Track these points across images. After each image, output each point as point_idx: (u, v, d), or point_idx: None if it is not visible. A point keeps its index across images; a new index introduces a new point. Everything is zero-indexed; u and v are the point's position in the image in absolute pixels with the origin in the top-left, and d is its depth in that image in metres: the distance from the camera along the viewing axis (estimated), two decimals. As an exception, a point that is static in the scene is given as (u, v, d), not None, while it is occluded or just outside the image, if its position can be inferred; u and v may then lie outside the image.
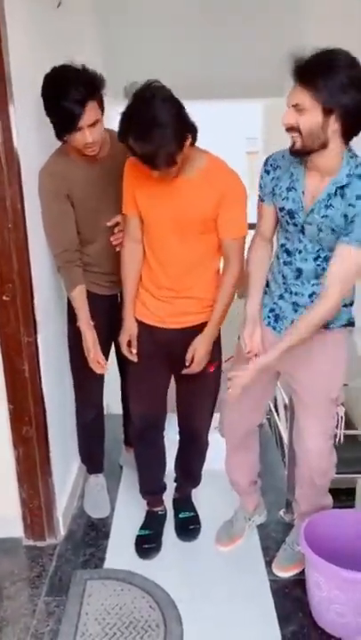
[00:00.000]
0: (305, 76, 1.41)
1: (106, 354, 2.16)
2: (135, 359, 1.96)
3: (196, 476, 2.27)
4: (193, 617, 1.82)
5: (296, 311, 1.70)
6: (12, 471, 2.08)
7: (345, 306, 1.69)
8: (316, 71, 1.40)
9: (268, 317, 1.77)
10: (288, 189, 1.62)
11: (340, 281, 1.54)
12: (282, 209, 1.65)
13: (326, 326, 1.66)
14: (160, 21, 3.50)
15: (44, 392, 2.02)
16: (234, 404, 1.82)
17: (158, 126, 1.51)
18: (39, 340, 1.96)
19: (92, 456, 2.42)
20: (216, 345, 1.95)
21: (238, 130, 8.44)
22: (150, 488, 2.21)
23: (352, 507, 2.16)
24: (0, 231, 1.82)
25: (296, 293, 1.68)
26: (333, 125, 1.43)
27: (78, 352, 2.06)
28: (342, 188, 1.51)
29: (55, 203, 1.93)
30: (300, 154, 1.52)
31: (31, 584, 1.98)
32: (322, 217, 1.55)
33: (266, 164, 1.70)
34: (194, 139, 1.66)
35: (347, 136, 1.48)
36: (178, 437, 2.21)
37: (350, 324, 1.74)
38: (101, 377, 2.21)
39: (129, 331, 1.94)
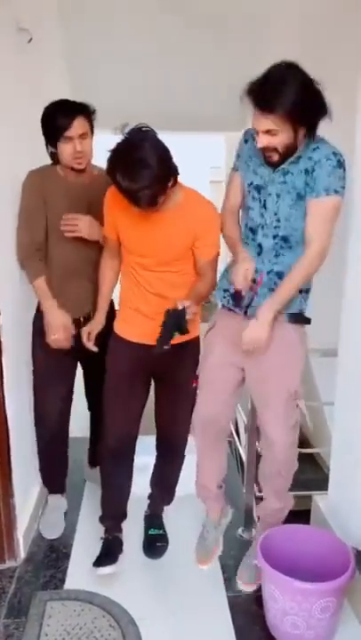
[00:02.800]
0: (263, 104, 1.56)
1: (72, 375, 2.26)
2: (95, 349, 2.07)
3: (171, 492, 2.32)
4: (153, 634, 1.84)
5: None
6: (-27, 492, 2.07)
7: (300, 292, 1.79)
8: (271, 97, 1.55)
9: (226, 298, 1.86)
10: (260, 165, 1.74)
11: (318, 233, 1.67)
12: (250, 184, 1.78)
13: (280, 311, 1.75)
14: (126, 57, 3.66)
15: (8, 413, 2.04)
16: (204, 403, 1.93)
17: (145, 167, 1.63)
18: (4, 362, 1.99)
19: (52, 476, 2.44)
20: (195, 363, 2.00)
21: (203, 159, 8.70)
22: (114, 513, 2.19)
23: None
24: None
25: (256, 271, 1.76)
26: (301, 131, 1.61)
27: (42, 368, 2.18)
28: (298, 157, 1.66)
29: (33, 199, 2.07)
30: (278, 164, 1.68)
31: (-10, 606, 1.97)
32: (280, 183, 1.69)
33: (246, 134, 1.81)
34: (175, 180, 1.77)
35: (313, 125, 1.62)
36: (142, 461, 2.24)
37: (303, 318, 1.83)
38: (62, 398, 2.27)
39: (97, 325, 2.09)
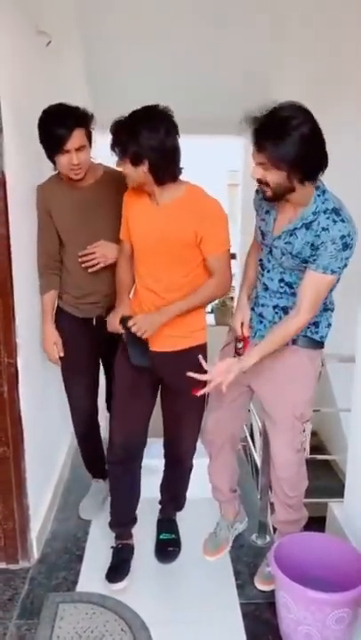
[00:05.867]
0: (259, 142, 1.55)
1: (96, 375, 2.36)
2: (122, 331, 1.95)
3: (181, 499, 2.30)
4: (164, 639, 1.83)
5: (261, 322, 1.85)
6: (-12, 492, 2.08)
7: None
8: (267, 138, 1.53)
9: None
10: (266, 212, 1.78)
11: (308, 301, 1.69)
12: (258, 227, 1.84)
13: (294, 342, 1.78)
14: (144, 60, 3.67)
15: (23, 413, 2.05)
16: (212, 413, 1.98)
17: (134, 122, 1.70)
18: (19, 362, 2.00)
19: (90, 462, 2.55)
20: (201, 370, 2.00)
21: (221, 163, 8.71)
22: (122, 519, 2.18)
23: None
24: (-15, 255, 1.88)
25: (263, 305, 1.84)
26: (296, 176, 1.57)
27: (64, 365, 2.27)
28: (310, 222, 1.65)
29: (41, 214, 2.15)
30: (274, 200, 1.68)
31: (3, 607, 1.97)
32: (285, 243, 1.70)
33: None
34: (154, 166, 1.75)
35: (310, 178, 1.60)
36: (154, 463, 2.24)
37: (315, 342, 1.83)
38: (89, 389, 2.36)
39: (123, 311, 2.00)
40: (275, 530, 2.15)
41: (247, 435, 3.35)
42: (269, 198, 1.66)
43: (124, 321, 1.91)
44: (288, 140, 1.50)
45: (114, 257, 2.08)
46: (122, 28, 3.54)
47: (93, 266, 2.09)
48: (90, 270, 2.10)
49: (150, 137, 1.70)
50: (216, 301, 7.65)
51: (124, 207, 1.96)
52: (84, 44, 3.45)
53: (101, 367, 2.39)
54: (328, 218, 1.61)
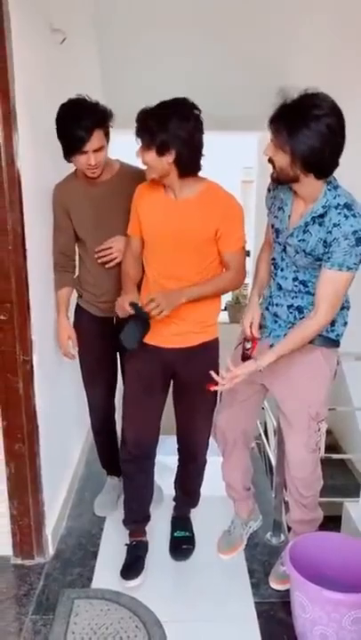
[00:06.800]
0: (274, 121, 1.55)
1: (114, 375, 2.37)
2: (132, 311, 1.88)
3: (195, 496, 2.30)
4: (178, 637, 1.83)
5: (276, 322, 1.83)
6: (4, 487, 2.10)
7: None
8: (282, 121, 1.52)
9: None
10: (279, 209, 1.76)
11: (327, 301, 1.66)
12: (272, 226, 1.81)
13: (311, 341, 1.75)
14: (157, 58, 3.65)
15: (38, 410, 2.06)
16: (224, 410, 1.98)
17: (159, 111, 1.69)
18: (34, 359, 2.01)
19: (105, 459, 2.57)
20: (214, 366, 2.00)
21: (235, 160, 8.66)
22: (136, 517, 2.19)
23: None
24: (0, 252, 1.89)
25: (277, 304, 1.82)
26: (300, 168, 1.55)
27: (83, 365, 2.33)
28: (320, 217, 1.62)
29: (57, 213, 2.16)
30: (278, 182, 1.69)
31: (18, 602, 1.99)
32: (298, 240, 1.68)
33: (271, 182, 1.82)
34: (180, 157, 1.73)
35: (316, 175, 1.58)
36: (168, 460, 2.24)
37: (331, 341, 1.81)
38: (108, 388, 2.38)
39: (131, 297, 1.94)
40: (289, 529, 2.14)
41: (261, 433, 3.34)
42: (274, 180, 1.67)
43: (135, 304, 1.85)
44: (302, 130, 1.48)
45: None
46: (136, 26, 3.53)
47: (111, 261, 2.09)
48: (107, 266, 2.10)
49: (180, 127, 1.68)
50: (229, 298, 7.67)
51: (134, 202, 1.94)
52: (98, 42, 3.45)
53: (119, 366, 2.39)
54: (340, 213, 1.58)
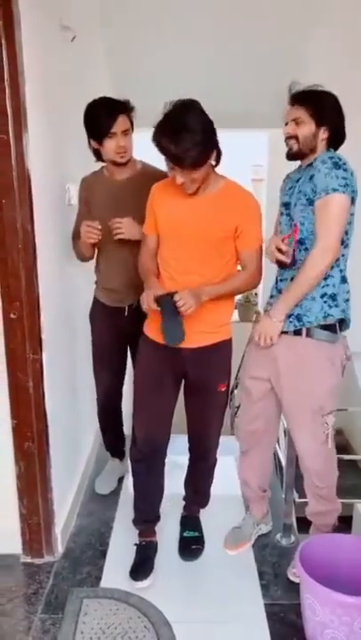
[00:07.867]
0: (302, 98, 1.83)
1: (123, 362, 2.45)
2: (157, 308, 1.84)
3: (205, 495, 2.29)
4: (187, 638, 1.82)
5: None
6: (14, 486, 2.10)
7: (321, 297, 1.82)
8: (310, 96, 1.83)
9: (268, 304, 2.00)
10: (290, 188, 1.94)
11: (324, 227, 1.75)
12: (283, 204, 1.95)
13: (303, 324, 1.82)
14: (167, 56, 3.64)
15: (47, 409, 2.06)
16: (243, 411, 2.07)
17: (188, 131, 1.67)
18: (44, 358, 2.01)
19: (108, 441, 2.68)
20: (226, 366, 2.02)
21: (245, 157, 8.63)
22: (146, 517, 2.18)
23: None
24: (10, 251, 1.89)
25: (281, 280, 1.93)
26: (323, 135, 1.82)
27: (94, 355, 2.45)
28: (310, 165, 1.82)
29: (80, 206, 2.31)
30: (295, 157, 1.87)
31: (27, 601, 1.99)
32: (297, 193, 1.86)
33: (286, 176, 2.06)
34: (218, 159, 1.81)
35: (331, 144, 1.84)
36: (178, 459, 2.23)
37: (329, 327, 1.82)
38: (116, 373, 2.47)
39: (155, 291, 1.86)
40: (309, 523, 2.12)
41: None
42: (293, 154, 1.85)
43: (160, 299, 1.81)
44: (324, 102, 1.81)
45: (134, 236, 2.08)
46: (146, 24, 3.52)
47: (117, 234, 2.12)
48: (115, 238, 2.13)
49: (207, 135, 1.72)
50: (240, 297, 7.64)
51: (150, 200, 1.94)
52: (108, 41, 3.44)
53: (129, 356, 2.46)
54: (324, 162, 1.76)
